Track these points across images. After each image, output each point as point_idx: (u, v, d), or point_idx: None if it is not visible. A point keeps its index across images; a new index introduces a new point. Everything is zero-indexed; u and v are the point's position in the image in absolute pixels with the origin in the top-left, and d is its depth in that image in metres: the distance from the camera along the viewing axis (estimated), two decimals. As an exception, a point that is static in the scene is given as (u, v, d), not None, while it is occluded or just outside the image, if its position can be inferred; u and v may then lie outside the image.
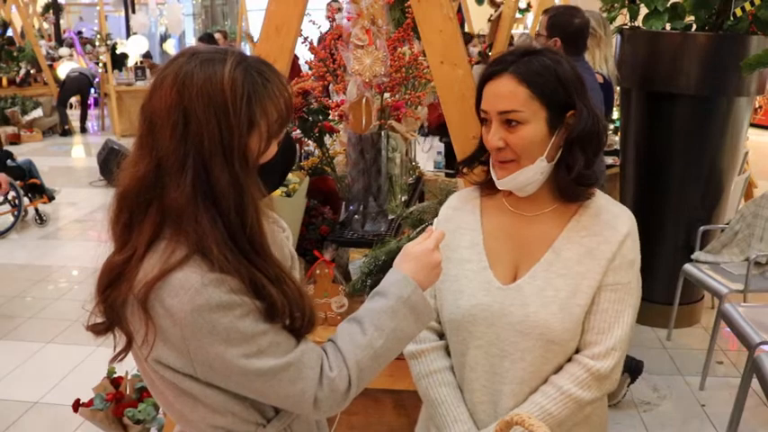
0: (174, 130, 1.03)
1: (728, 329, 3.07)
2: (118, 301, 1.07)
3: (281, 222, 1.31)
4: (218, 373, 1.08)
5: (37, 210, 6.19)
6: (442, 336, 1.52)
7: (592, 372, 1.35)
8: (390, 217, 2.22)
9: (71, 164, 9.27)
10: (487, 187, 1.49)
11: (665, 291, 3.84)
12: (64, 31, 12.20)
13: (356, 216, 2.19)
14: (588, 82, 2.73)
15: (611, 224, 1.39)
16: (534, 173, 1.35)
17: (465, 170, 1.51)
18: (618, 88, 4.02)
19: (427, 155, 4.41)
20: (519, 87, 1.32)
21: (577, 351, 1.40)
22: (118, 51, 11.28)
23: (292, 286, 1.12)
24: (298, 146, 2.78)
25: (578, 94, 1.35)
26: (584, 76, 2.66)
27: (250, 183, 1.07)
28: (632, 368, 3.20)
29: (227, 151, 1.04)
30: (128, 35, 12.89)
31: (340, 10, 2.21)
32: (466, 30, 9.32)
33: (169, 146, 1.04)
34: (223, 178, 1.04)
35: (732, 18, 3.63)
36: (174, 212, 1.05)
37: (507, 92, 1.32)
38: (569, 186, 1.37)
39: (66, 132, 10.72)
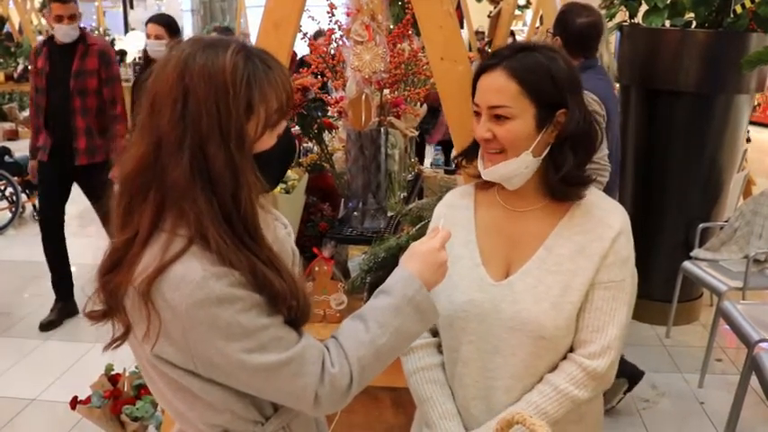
0: (173, 108, 1.04)
1: (727, 327, 3.07)
2: (117, 289, 1.07)
3: (283, 219, 1.31)
4: (219, 368, 1.07)
5: (35, 206, 6.17)
6: (435, 333, 1.53)
7: (588, 371, 1.35)
8: (389, 214, 2.21)
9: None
10: (483, 181, 1.49)
11: (663, 288, 3.84)
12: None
13: (355, 213, 2.18)
14: (603, 91, 2.69)
15: (603, 221, 1.39)
16: (518, 166, 1.35)
17: (464, 163, 1.51)
18: (617, 85, 4.02)
19: (426, 152, 4.42)
20: (510, 83, 1.32)
21: (572, 349, 1.39)
22: (116, 47, 11.25)
23: (285, 272, 1.12)
24: (297, 142, 2.77)
25: (571, 93, 1.35)
26: (598, 84, 2.64)
27: (245, 165, 1.07)
28: (632, 374, 3.10)
29: (223, 132, 1.05)
30: (126, 31, 12.86)
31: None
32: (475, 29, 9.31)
33: (168, 125, 1.05)
34: (219, 158, 1.04)
35: (732, 15, 3.63)
36: (173, 192, 1.05)
37: (498, 86, 1.33)
38: (558, 186, 1.38)
39: None
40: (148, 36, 3.98)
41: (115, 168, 4.51)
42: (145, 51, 4.13)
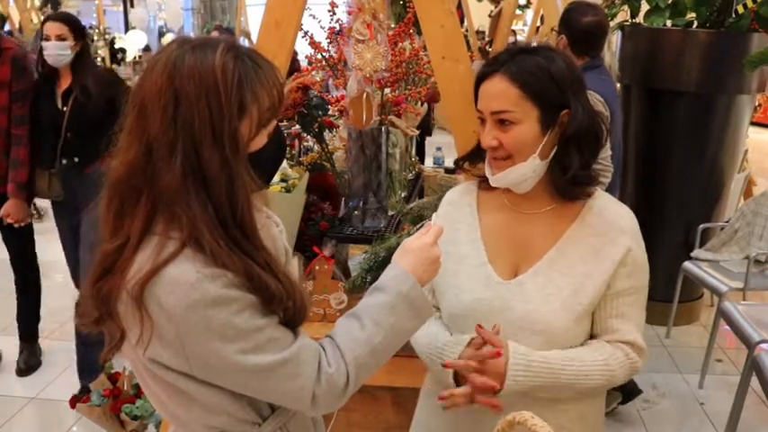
0: (164, 112, 1.02)
1: (728, 327, 3.07)
2: (110, 295, 1.05)
3: (275, 217, 1.30)
4: (215, 370, 1.06)
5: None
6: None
7: (631, 361, 1.38)
8: (390, 213, 2.21)
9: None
10: (487, 181, 1.48)
11: (664, 288, 3.84)
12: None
13: (356, 212, 2.18)
14: (607, 92, 2.69)
15: (616, 224, 1.39)
16: (526, 170, 1.35)
17: (467, 166, 1.51)
18: (618, 85, 4.02)
19: (427, 151, 4.41)
20: (510, 87, 1.32)
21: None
22: (116, 46, 11.23)
23: (282, 273, 1.11)
24: (297, 141, 2.77)
25: (574, 92, 1.34)
26: (602, 84, 2.63)
27: (240, 168, 1.05)
28: (630, 391, 3.07)
29: (217, 134, 1.03)
30: (126, 30, 12.86)
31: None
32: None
33: (159, 129, 1.03)
34: (213, 161, 1.03)
35: (733, 15, 3.62)
36: (166, 197, 1.03)
37: (499, 92, 1.33)
38: (565, 186, 1.38)
39: None
40: (47, 38, 3.07)
41: (7, 204, 3.69)
42: (41, 55, 3.15)
